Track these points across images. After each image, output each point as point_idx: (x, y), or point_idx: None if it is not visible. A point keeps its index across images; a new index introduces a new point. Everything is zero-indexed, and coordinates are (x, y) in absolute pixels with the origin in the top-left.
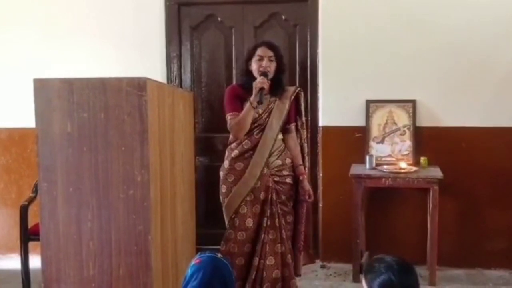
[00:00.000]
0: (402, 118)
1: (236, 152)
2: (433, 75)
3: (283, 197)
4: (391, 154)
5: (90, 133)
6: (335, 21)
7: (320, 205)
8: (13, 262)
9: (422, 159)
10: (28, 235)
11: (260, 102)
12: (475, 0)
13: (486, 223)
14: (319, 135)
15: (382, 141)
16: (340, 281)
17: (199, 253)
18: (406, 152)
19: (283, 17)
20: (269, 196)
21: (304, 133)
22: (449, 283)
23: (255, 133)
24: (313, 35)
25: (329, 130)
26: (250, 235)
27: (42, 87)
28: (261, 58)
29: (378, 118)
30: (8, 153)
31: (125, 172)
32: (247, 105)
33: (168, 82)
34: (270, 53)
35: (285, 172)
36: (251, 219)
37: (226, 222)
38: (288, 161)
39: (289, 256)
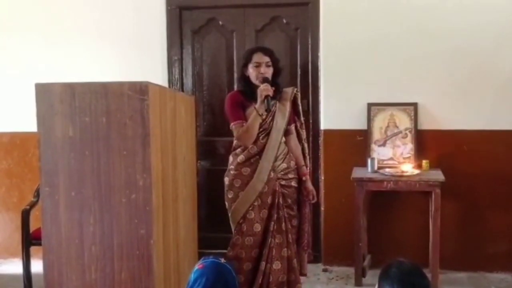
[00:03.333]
0: (403, 121)
1: (242, 157)
2: (434, 78)
3: (289, 201)
4: (393, 157)
5: (92, 137)
6: (336, 25)
7: (322, 208)
8: (14, 267)
9: (424, 162)
10: (30, 240)
11: (268, 110)
12: (477, 4)
13: (488, 226)
14: (321, 138)
15: (383, 144)
16: (342, 285)
17: (202, 258)
18: (408, 155)
19: (284, 20)
20: (276, 200)
21: (304, 133)
22: (452, 286)
23: (260, 137)
24: (314, 39)
25: (330, 133)
26: (258, 240)
27: (44, 91)
28: (258, 65)
29: (380, 121)
30: (10, 157)
31: (127, 176)
32: (253, 113)
33: (169, 86)
34: (267, 59)
35: (290, 175)
36: (259, 224)
37: (233, 227)
38: (292, 163)
39: (295, 260)
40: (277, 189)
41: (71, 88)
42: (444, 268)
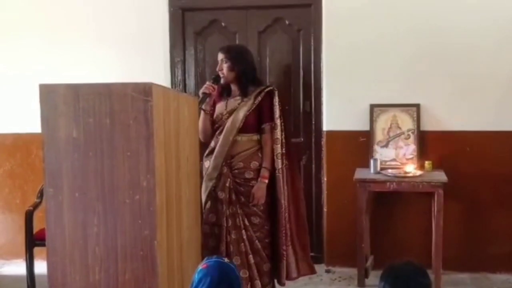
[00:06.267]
0: (406, 122)
1: (206, 151)
2: (437, 79)
3: (243, 199)
4: (396, 158)
5: (96, 138)
6: (339, 26)
7: (325, 209)
8: (17, 268)
9: (427, 163)
10: (33, 241)
11: (199, 106)
12: (479, 3)
13: (491, 226)
14: (323, 140)
15: (386, 145)
16: (345, 286)
17: (205, 258)
18: (411, 156)
19: (287, 22)
20: (228, 196)
21: (276, 133)
22: (454, 287)
23: (217, 133)
24: (317, 40)
25: (333, 135)
26: (213, 230)
27: (48, 92)
28: (218, 63)
29: (382, 122)
30: (13, 159)
31: (130, 177)
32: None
33: (172, 87)
34: (222, 56)
35: (247, 175)
36: (214, 214)
37: None
38: (254, 164)
39: (250, 256)
40: (228, 185)
41: (75, 89)
42: (447, 269)
